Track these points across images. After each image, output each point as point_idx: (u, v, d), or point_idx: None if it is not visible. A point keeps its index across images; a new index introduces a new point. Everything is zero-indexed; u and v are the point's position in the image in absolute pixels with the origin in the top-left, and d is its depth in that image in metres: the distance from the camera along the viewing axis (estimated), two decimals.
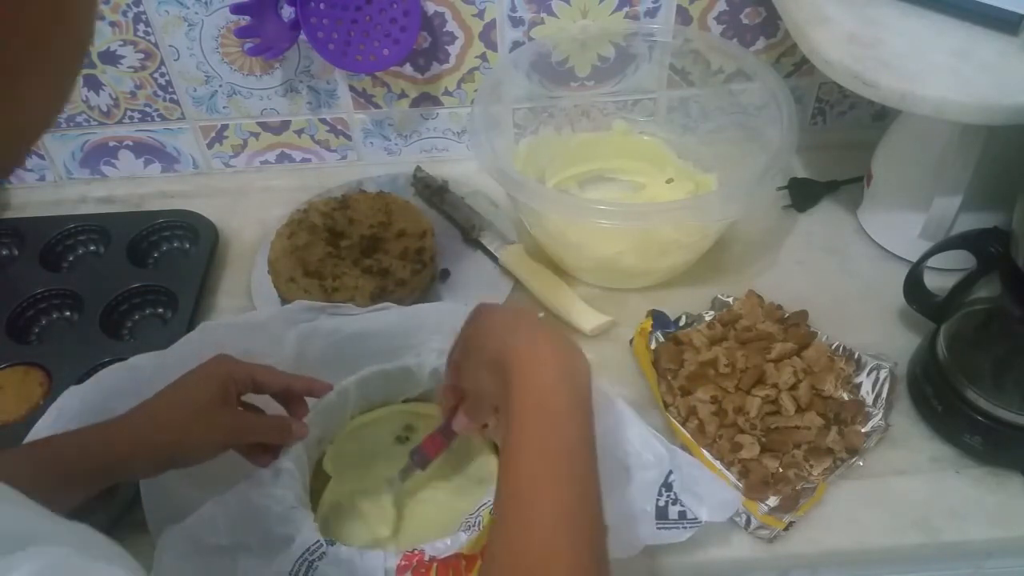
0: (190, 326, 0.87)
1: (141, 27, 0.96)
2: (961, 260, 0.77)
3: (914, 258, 0.83)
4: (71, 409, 0.73)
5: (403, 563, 0.62)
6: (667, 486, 0.69)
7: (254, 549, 0.66)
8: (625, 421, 0.73)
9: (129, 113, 1.04)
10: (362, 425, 0.79)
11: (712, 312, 0.89)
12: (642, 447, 0.71)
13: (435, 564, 0.63)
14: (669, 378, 0.82)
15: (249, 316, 0.82)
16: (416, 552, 0.63)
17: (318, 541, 0.64)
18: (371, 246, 0.92)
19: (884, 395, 0.80)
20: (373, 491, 0.75)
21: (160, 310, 0.94)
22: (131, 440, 0.63)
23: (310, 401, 0.74)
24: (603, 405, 0.74)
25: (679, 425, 0.79)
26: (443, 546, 0.63)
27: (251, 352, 0.76)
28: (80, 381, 0.83)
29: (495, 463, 0.76)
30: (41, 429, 0.72)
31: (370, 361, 0.79)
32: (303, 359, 0.78)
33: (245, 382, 0.68)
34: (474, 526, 0.65)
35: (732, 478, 0.75)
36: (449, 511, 0.72)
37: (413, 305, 0.83)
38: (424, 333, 0.80)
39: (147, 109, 1.03)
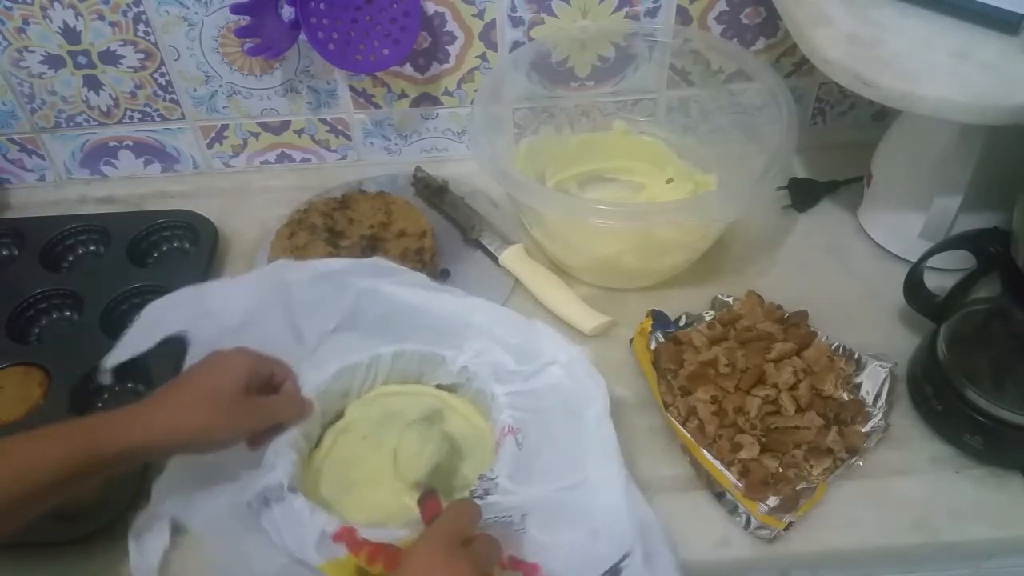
0: None
1: (141, 27, 0.96)
2: (961, 260, 0.77)
3: (914, 258, 0.83)
4: (153, 318, 0.78)
5: (339, 532, 0.66)
6: (614, 572, 0.65)
7: (238, 465, 0.72)
8: (612, 485, 0.70)
9: (129, 113, 1.04)
10: (391, 393, 0.82)
11: (712, 312, 0.89)
12: (608, 517, 0.68)
13: (367, 546, 0.66)
14: (669, 378, 0.82)
15: (321, 263, 0.84)
16: (352, 528, 0.66)
17: (280, 484, 0.68)
18: (371, 246, 0.92)
19: (884, 395, 0.80)
20: (375, 454, 0.77)
21: None
22: (157, 428, 0.65)
23: (347, 358, 0.80)
24: (604, 460, 0.72)
25: (679, 425, 0.79)
26: (378, 533, 0.66)
27: (315, 297, 0.81)
28: (80, 381, 0.84)
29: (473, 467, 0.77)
30: (131, 337, 0.76)
31: (413, 336, 0.81)
32: (358, 315, 0.82)
33: (265, 375, 0.72)
34: (413, 523, 0.67)
35: (732, 478, 0.75)
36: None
37: (475, 298, 0.84)
38: (471, 329, 0.81)
39: (147, 109, 1.03)
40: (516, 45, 0.99)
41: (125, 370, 0.85)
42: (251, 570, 0.68)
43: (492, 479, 0.70)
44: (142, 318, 0.78)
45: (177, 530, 0.72)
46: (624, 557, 0.66)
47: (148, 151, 1.08)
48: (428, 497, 0.70)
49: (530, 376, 0.78)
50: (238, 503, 0.70)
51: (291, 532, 0.67)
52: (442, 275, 0.95)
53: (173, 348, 0.85)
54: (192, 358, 0.77)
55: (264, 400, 0.72)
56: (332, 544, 0.66)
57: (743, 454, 0.76)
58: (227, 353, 0.71)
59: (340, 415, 0.81)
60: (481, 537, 0.62)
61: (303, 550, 0.66)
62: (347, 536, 0.66)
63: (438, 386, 0.83)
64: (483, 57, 1.00)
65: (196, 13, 0.95)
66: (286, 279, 0.81)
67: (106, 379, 0.76)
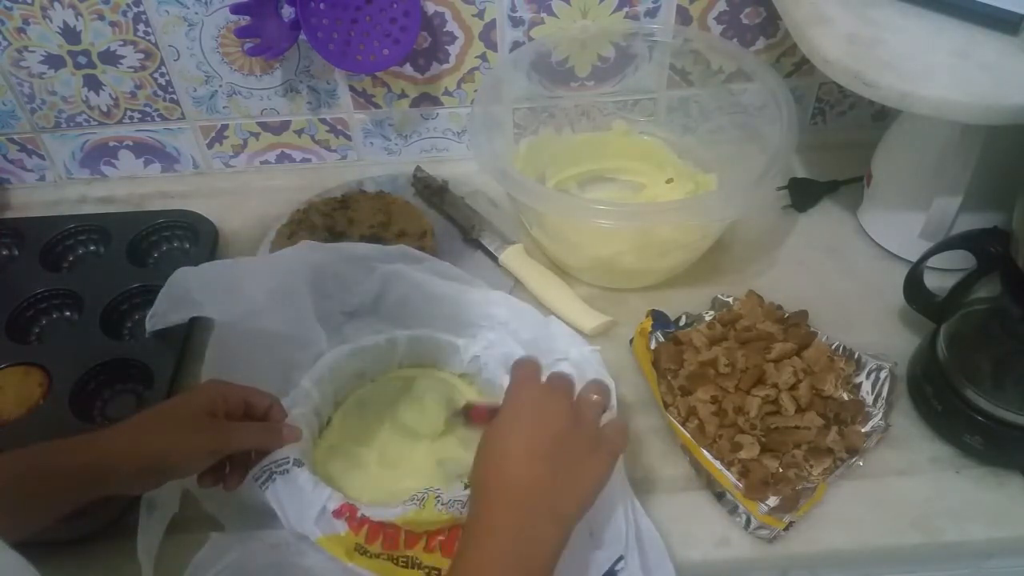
0: (191, 326, 0.87)
1: (141, 27, 0.96)
2: (961, 260, 0.77)
3: (914, 258, 0.83)
4: (182, 288, 0.81)
5: (340, 508, 0.67)
6: (611, 574, 0.66)
7: None
8: (609, 487, 0.69)
9: (129, 113, 1.04)
10: (405, 377, 0.83)
11: (712, 312, 0.89)
12: (605, 520, 0.68)
13: (368, 524, 0.66)
14: (669, 378, 0.82)
15: (348, 245, 0.86)
16: (353, 506, 0.67)
17: (287, 458, 0.69)
18: None
19: (884, 395, 0.80)
20: (382, 434, 0.79)
21: None
22: (116, 447, 0.64)
23: (364, 339, 0.81)
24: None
25: (679, 425, 0.79)
26: (379, 511, 0.67)
27: (342, 276, 0.82)
28: (80, 381, 0.84)
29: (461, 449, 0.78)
30: (160, 303, 0.82)
31: (431, 323, 0.82)
32: (380, 299, 0.84)
33: (237, 403, 0.69)
34: (412, 502, 0.67)
35: (732, 478, 0.75)
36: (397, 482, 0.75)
37: (496, 292, 0.85)
38: (490, 320, 0.82)
39: (147, 109, 1.03)
40: (516, 45, 0.99)
41: (125, 370, 0.86)
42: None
43: None
44: (170, 283, 0.82)
45: (187, 496, 0.73)
46: (618, 560, 0.66)
47: (148, 151, 1.08)
48: (470, 409, 0.72)
49: None
50: (247, 478, 0.70)
51: (293, 505, 0.67)
52: None
53: (172, 348, 0.86)
54: (217, 339, 0.79)
55: (230, 423, 0.68)
56: (332, 520, 0.67)
57: (743, 454, 0.76)
58: (198, 384, 0.72)
59: (353, 394, 0.82)
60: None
61: (303, 524, 0.66)
62: (348, 513, 0.67)
63: (451, 374, 0.84)
64: (483, 57, 1.00)
65: (196, 13, 0.95)
66: (313, 261, 0.82)
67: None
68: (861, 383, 0.82)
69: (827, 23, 0.79)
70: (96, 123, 1.05)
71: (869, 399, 0.80)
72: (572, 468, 0.60)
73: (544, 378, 0.66)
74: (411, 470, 0.76)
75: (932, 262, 0.81)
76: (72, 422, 0.81)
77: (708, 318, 0.88)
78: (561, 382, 0.65)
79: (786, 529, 0.72)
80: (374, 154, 1.10)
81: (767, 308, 0.87)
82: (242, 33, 0.93)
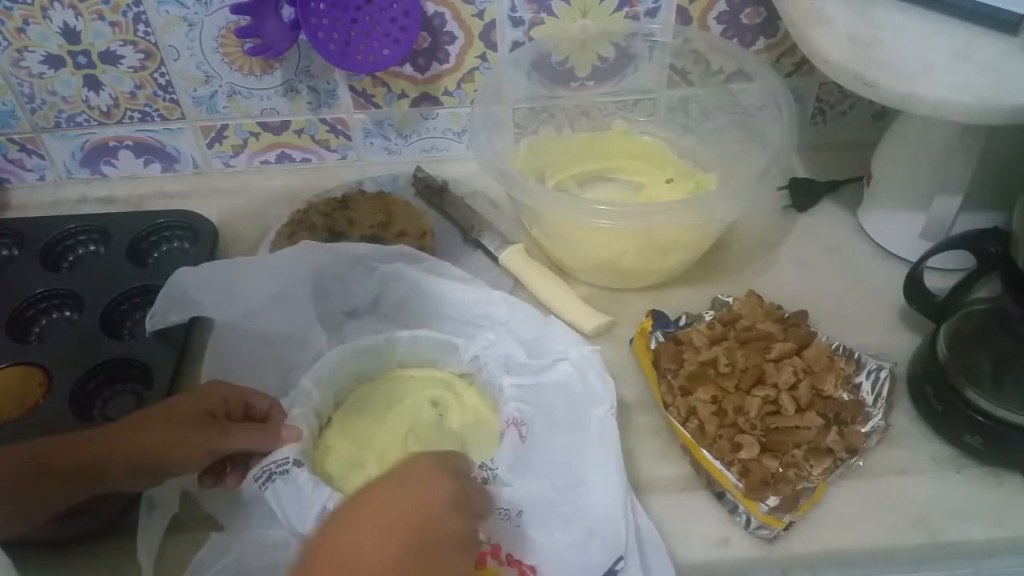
0: (191, 326, 0.87)
1: (141, 27, 0.96)
2: (961, 260, 0.77)
3: (914, 258, 0.83)
4: (181, 287, 0.82)
5: None
6: (611, 574, 0.66)
7: None
8: (610, 488, 0.70)
9: (129, 113, 1.04)
10: (405, 377, 0.84)
11: (712, 312, 0.89)
12: (604, 520, 0.68)
13: None
14: (669, 378, 0.82)
15: (348, 245, 0.87)
16: None
17: (286, 458, 0.69)
18: None
19: (884, 395, 0.80)
20: (382, 434, 0.79)
21: None
22: (113, 444, 0.64)
23: (364, 339, 0.81)
24: (605, 461, 0.72)
25: (679, 425, 0.79)
26: None
27: (342, 276, 0.83)
28: (80, 381, 0.84)
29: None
30: (160, 303, 0.83)
31: (431, 323, 0.83)
32: (380, 299, 0.85)
33: (237, 404, 0.70)
34: None
35: (732, 478, 0.75)
36: None
37: (496, 292, 0.86)
38: (488, 320, 0.83)
39: (147, 109, 1.03)
40: (516, 45, 0.99)
41: (125, 370, 0.86)
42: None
43: (492, 469, 0.71)
44: (170, 283, 0.82)
45: (187, 496, 0.73)
46: (618, 560, 0.66)
47: (148, 151, 1.08)
48: None
49: (539, 371, 0.78)
50: (247, 478, 0.70)
51: (292, 505, 0.67)
52: None
53: (172, 348, 0.86)
54: (217, 339, 0.79)
55: (230, 423, 0.68)
56: None
57: (743, 454, 0.76)
58: (198, 384, 0.73)
59: (353, 394, 0.82)
60: (475, 482, 0.61)
61: (303, 523, 0.66)
62: None
63: (451, 374, 0.84)
64: (483, 57, 1.00)
65: (196, 13, 0.95)
66: (313, 261, 0.82)
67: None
68: (861, 383, 0.82)
69: (827, 23, 0.79)
70: (96, 123, 1.05)
71: (869, 399, 0.80)
72: (430, 563, 0.53)
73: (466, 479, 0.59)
74: None
75: (932, 262, 0.81)
76: (72, 422, 0.80)
77: (708, 318, 0.88)
78: (474, 481, 0.59)
79: (786, 529, 0.72)
80: (374, 154, 1.10)
81: (767, 308, 0.87)
82: (242, 33, 0.93)
